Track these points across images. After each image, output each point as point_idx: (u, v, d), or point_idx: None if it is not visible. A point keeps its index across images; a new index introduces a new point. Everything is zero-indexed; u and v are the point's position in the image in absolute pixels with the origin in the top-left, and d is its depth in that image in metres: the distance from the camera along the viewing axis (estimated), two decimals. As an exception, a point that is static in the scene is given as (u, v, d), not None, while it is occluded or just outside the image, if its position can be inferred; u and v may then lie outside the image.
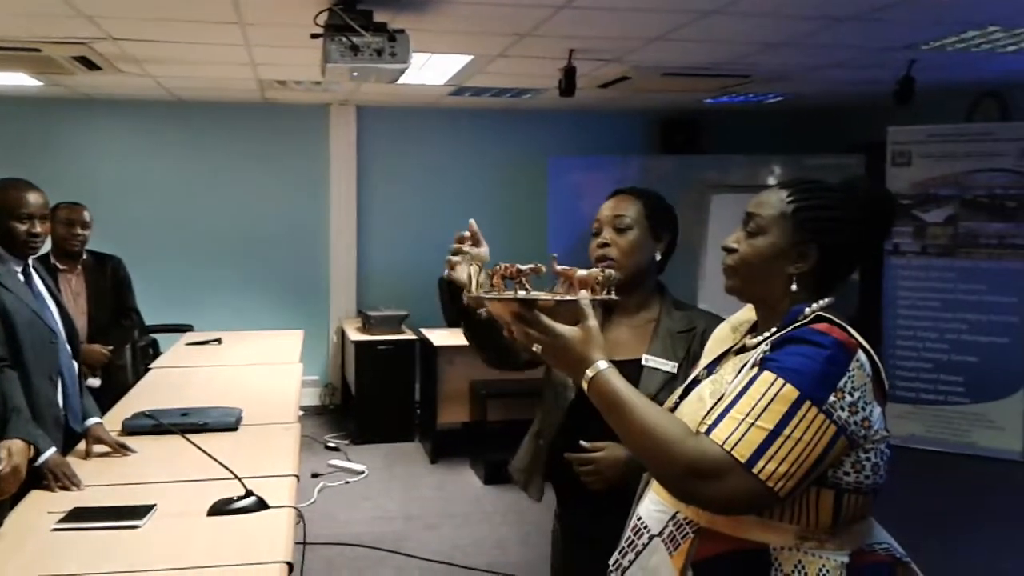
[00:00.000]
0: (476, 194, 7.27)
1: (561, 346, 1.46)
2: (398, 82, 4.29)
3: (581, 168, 7.02)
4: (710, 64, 5.04)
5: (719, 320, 2.01)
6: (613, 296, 1.58)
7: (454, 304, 1.93)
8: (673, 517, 1.48)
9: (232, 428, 3.13)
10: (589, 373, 1.44)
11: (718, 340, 1.70)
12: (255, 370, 4.37)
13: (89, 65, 4.90)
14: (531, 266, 1.54)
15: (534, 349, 1.49)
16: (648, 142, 7.76)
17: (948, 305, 6.17)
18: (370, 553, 4.32)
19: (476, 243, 1.94)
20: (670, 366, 2.04)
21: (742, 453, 1.32)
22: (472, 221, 1.97)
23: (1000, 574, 4.19)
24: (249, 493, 2.31)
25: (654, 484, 1.55)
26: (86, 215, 4.32)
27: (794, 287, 1.50)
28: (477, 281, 1.55)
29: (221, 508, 2.28)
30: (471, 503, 5.09)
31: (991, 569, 4.22)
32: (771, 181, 7.16)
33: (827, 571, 1.38)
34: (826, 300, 1.50)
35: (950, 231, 6.16)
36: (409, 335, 6.37)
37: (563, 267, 1.58)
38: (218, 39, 4.39)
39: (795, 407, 1.33)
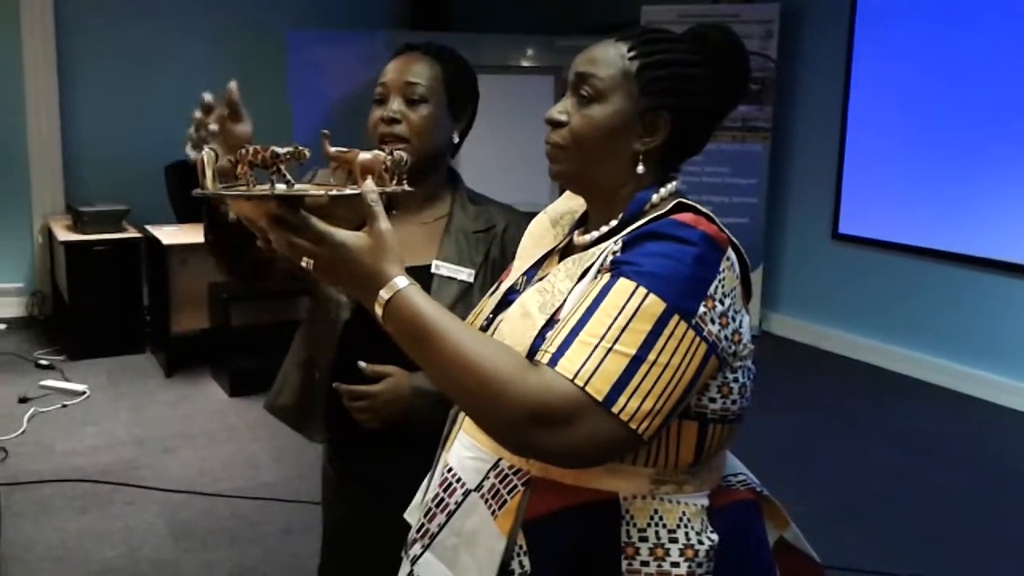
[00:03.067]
0: (205, 70, 6.38)
1: (342, 259, 1.04)
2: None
3: (324, 43, 6.41)
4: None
5: (523, 216, 1.67)
6: (405, 187, 1.17)
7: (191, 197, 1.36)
8: (495, 466, 1.15)
9: None
10: (384, 295, 1.04)
11: (536, 237, 1.35)
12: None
13: None
14: (290, 149, 1.06)
15: (303, 264, 1.06)
16: (395, 17, 7.19)
17: (694, 188, 6.20)
18: (96, 488, 3.72)
19: (235, 118, 1.31)
20: (465, 274, 1.66)
21: (598, 388, 0.99)
22: (233, 85, 1.32)
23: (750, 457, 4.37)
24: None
25: (467, 423, 1.21)
26: None
27: (640, 168, 1.18)
28: (214, 171, 1.08)
29: None
30: (215, 419, 4.56)
31: (744, 450, 4.39)
32: (524, 63, 6.93)
33: (688, 519, 1.11)
34: (675, 183, 1.20)
35: (696, 114, 6.24)
36: (132, 233, 5.57)
37: (337, 149, 1.14)
38: None
39: (661, 323, 1.01)
